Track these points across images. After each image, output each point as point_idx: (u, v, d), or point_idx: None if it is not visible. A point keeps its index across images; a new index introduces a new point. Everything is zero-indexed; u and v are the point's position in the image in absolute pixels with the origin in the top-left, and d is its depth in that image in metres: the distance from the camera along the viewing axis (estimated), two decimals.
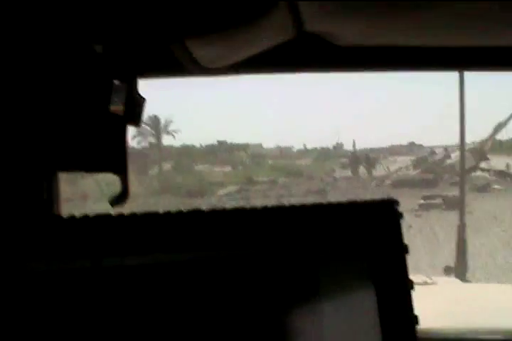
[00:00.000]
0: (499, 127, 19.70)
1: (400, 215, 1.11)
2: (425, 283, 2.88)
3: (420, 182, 18.38)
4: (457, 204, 15.52)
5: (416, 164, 20.80)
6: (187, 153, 22.91)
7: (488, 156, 19.74)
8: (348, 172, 21.47)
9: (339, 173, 21.61)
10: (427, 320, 1.88)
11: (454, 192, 16.52)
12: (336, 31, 1.35)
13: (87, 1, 1.06)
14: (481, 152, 18.71)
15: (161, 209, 1.01)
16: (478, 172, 18.39)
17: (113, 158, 1.25)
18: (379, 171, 21.04)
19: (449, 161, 20.31)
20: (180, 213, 1.04)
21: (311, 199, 17.53)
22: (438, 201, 16.14)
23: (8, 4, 1.06)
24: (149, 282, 1.00)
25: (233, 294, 1.03)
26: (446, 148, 21.43)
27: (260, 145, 26.19)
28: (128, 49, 1.22)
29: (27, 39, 1.15)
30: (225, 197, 18.41)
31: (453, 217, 14.41)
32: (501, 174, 19.57)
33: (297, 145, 27.04)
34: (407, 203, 15.74)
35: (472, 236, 10.19)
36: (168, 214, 1.03)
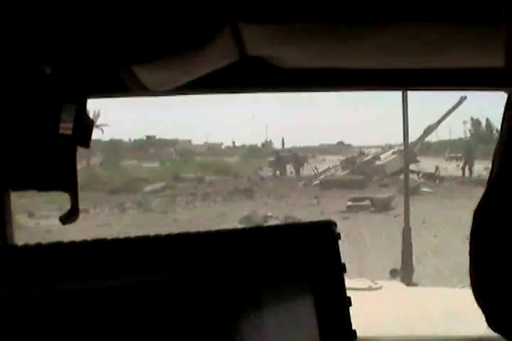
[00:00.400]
0: (429, 130, 19.94)
1: (337, 236, 1.21)
2: (370, 288, 2.84)
3: (348, 183, 18.28)
4: (386, 207, 15.51)
5: (345, 165, 20.72)
6: (115, 148, 22.38)
7: (418, 158, 19.84)
8: (276, 171, 21.26)
9: (266, 172, 21.43)
10: (373, 328, 2.01)
11: (383, 194, 16.48)
12: (277, 55, 1.40)
13: (37, 23, 1.09)
14: (410, 154, 18.68)
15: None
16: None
17: (63, 176, 1.31)
18: (307, 170, 20.88)
19: (378, 162, 20.29)
20: (127, 239, 1.14)
21: (236, 198, 17.37)
22: (366, 203, 15.99)
23: None
24: (98, 304, 1.08)
25: (182, 313, 1.12)
26: (382, 148, 21.51)
27: (189, 142, 25.95)
28: (77, 70, 1.26)
29: None
30: (150, 194, 18.00)
31: (381, 219, 14.29)
32: (430, 176, 19.68)
33: (226, 142, 26.80)
34: (334, 205, 15.58)
35: (401, 242, 9.95)
36: (116, 241, 1.13)
